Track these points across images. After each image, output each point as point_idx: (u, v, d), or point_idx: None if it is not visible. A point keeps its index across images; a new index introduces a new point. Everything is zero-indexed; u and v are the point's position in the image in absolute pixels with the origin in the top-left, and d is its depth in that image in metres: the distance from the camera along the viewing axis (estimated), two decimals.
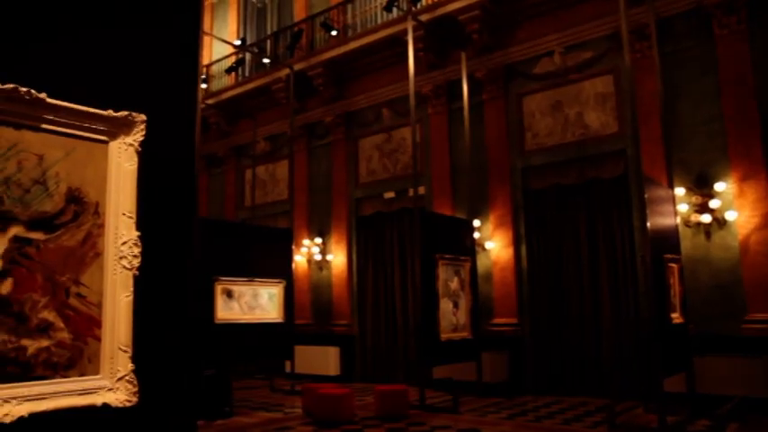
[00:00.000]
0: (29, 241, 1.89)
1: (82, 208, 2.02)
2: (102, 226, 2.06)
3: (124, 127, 2.13)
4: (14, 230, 1.87)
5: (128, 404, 2.00)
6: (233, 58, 15.04)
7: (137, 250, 2.10)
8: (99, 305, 2.02)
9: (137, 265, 2.09)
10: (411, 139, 9.65)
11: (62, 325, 1.93)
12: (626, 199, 9.10)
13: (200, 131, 2.40)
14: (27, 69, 1.91)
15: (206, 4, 16.93)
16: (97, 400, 1.96)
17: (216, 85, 15.82)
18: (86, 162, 2.05)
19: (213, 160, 16.24)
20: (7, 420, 1.75)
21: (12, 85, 1.85)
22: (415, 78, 9.62)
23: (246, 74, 15.17)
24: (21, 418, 1.78)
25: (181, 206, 2.30)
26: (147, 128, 2.17)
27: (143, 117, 2.15)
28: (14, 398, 1.79)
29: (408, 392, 8.29)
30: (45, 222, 1.93)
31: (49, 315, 1.91)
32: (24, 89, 1.88)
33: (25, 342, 1.85)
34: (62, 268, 1.95)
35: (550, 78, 10.05)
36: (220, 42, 15.34)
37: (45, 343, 1.89)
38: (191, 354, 2.24)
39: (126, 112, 2.11)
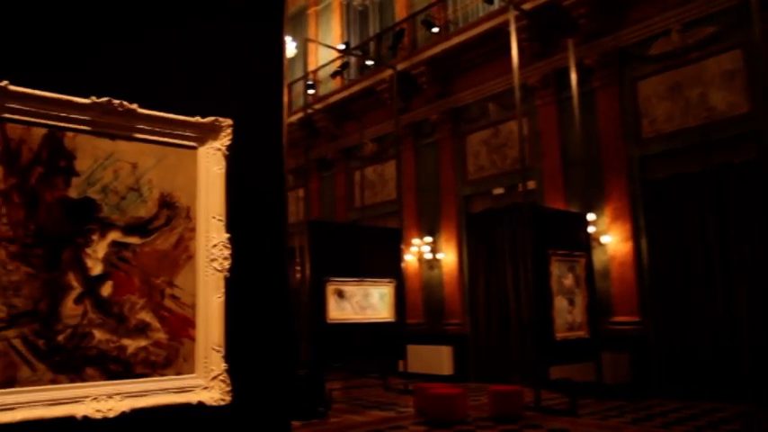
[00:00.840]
0: (126, 245, 1.98)
1: (174, 212, 2.10)
2: (193, 229, 2.12)
3: (212, 132, 2.18)
4: (112, 236, 1.96)
5: (221, 403, 2.05)
6: (338, 63, 15.37)
7: (227, 252, 2.14)
8: (192, 306, 2.08)
9: (227, 266, 2.13)
10: (518, 132, 9.36)
11: (158, 325, 2.01)
12: (759, 186, 8.28)
13: (286, 133, 2.42)
14: (119, 81, 2.01)
15: (310, 12, 17.46)
16: (192, 398, 2.02)
17: (323, 89, 16.25)
18: (177, 168, 2.12)
19: (323, 163, 16.68)
20: (111, 415, 1.84)
21: (106, 98, 1.95)
22: (521, 70, 9.33)
23: (351, 77, 15.43)
24: (123, 413, 1.86)
25: (270, 207, 2.33)
26: (234, 132, 2.21)
27: (229, 122, 2.20)
28: (118, 394, 1.88)
29: (523, 393, 8.04)
30: (140, 227, 2.02)
31: (146, 316, 1.99)
32: (117, 101, 1.97)
33: (125, 341, 1.94)
34: (157, 271, 2.03)
35: (668, 59, 9.38)
36: (326, 48, 15.73)
37: (143, 342, 1.97)
38: (284, 354, 2.26)
39: (213, 118, 2.17)
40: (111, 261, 1.95)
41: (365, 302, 10.38)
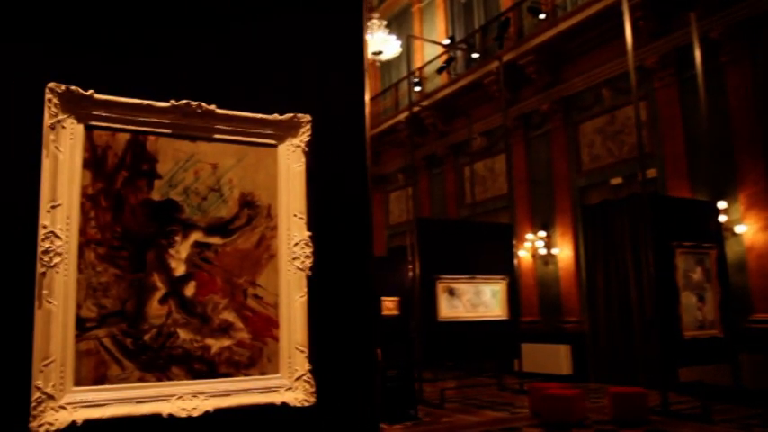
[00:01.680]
0: (208, 246, 2.00)
1: (255, 212, 2.09)
2: (274, 228, 2.11)
3: (291, 129, 2.16)
4: (195, 236, 1.98)
5: (305, 404, 2.01)
6: (444, 58, 15.22)
7: (308, 250, 2.10)
8: (275, 306, 2.06)
9: (309, 265, 2.09)
10: (635, 117, 8.77)
11: (241, 325, 2.01)
12: None
13: (368, 128, 2.35)
14: (197, 83, 2.03)
15: (414, 9, 17.43)
16: (276, 398, 2.00)
17: (429, 86, 16.16)
18: (257, 167, 2.11)
19: (432, 160, 16.60)
20: (195, 414, 1.86)
21: (185, 101, 1.97)
22: (636, 51, 8.75)
23: (458, 72, 15.22)
24: (206, 413, 1.87)
25: (352, 204, 2.27)
26: (313, 128, 2.17)
27: (308, 117, 2.16)
28: (202, 393, 1.90)
29: (648, 396, 7.51)
30: (221, 227, 2.02)
31: (229, 315, 1.99)
32: (195, 103, 1.99)
33: (209, 341, 1.95)
34: (239, 270, 2.03)
35: None
36: (431, 44, 15.63)
37: (226, 342, 1.98)
38: (370, 354, 2.19)
39: (291, 115, 2.14)
40: (194, 261, 1.97)
41: (477, 300, 10.20)
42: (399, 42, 15.52)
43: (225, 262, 2.01)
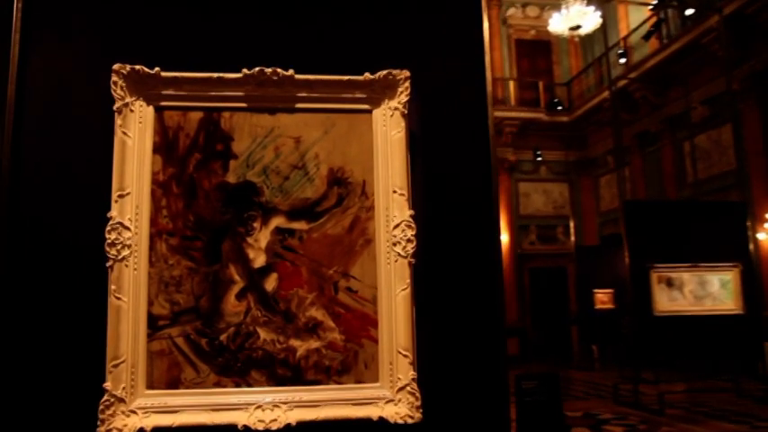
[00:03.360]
0: (291, 232, 1.73)
1: (346, 190, 1.77)
2: (370, 208, 1.77)
3: (386, 90, 1.80)
4: (276, 222, 1.73)
5: (409, 420, 1.64)
6: (652, 22, 13.59)
7: (410, 233, 1.73)
8: (373, 301, 1.72)
9: (411, 251, 1.72)
10: None
11: (332, 324, 1.70)
12: None
13: (490, 78, 1.90)
14: (270, 47, 1.77)
15: None
16: (374, 412, 1.65)
17: (636, 56, 14.57)
18: (348, 137, 1.79)
19: (645, 138, 14.96)
20: (274, 427, 1.59)
21: (258, 68, 1.73)
22: None
23: (668, 35, 13.48)
24: (288, 426, 1.60)
25: (470, 176, 1.84)
26: (414, 86, 1.79)
27: (406, 73, 1.78)
28: (285, 402, 1.63)
29: None
30: (306, 210, 1.74)
31: (317, 313, 1.70)
32: (270, 70, 1.73)
33: (294, 342, 1.68)
34: (328, 260, 1.73)
35: None
36: (636, 9, 14.09)
37: (314, 344, 1.68)
38: (496, 360, 1.75)
39: (386, 72, 1.78)
40: (276, 251, 1.71)
41: (701, 292, 8.82)
42: (599, 13, 14.20)
43: (312, 250, 1.73)
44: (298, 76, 1.76)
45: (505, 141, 17.49)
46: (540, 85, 17.90)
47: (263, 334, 1.67)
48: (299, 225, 1.74)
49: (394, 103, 1.81)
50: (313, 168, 1.77)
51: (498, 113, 17.28)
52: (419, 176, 1.80)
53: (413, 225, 1.74)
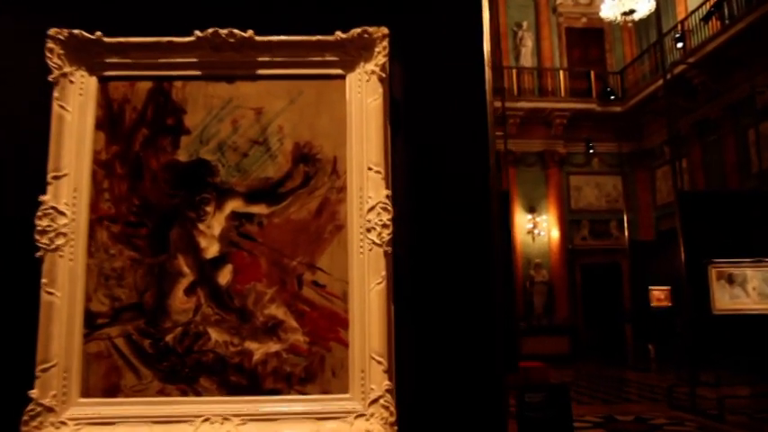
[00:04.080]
0: (249, 217, 1.50)
1: (314, 168, 1.53)
2: (342, 189, 1.52)
3: (362, 51, 1.55)
4: (231, 205, 1.50)
5: None
6: (712, 2, 12.80)
7: (386, 217, 1.47)
8: (343, 297, 1.47)
9: (387, 238, 1.46)
10: None
11: (295, 324, 1.46)
12: None
13: (488, 35, 1.62)
14: (224, 5, 1.55)
15: None
16: (342, 428, 1.40)
17: (694, 40, 13.78)
18: (317, 107, 1.55)
19: (705, 126, 14.14)
20: None
21: (212, 30, 1.50)
22: None
23: (730, 15, 12.66)
24: None
25: (459, 150, 1.57)
26: (395, 46, 1.53)
27: (384, 30, 1.52)
28: (237, 415, 1.40)
29: None
30: (267, 192, 1.51)
31: (277, 311, 1.46)
32: (225, 31, 1.51)
33: (250, 345, 1.45)
34: (292, 249, 1.49)
35: None
36: None
37: (274, 347, 1.45)
38: (490, 369, 1.47)
39: (360, 29, 1.53)
40: (231, 239, 1.49)
41: (766, 289, 8.21)
42: None
43: (272, 238, 1.49)
44: (258, 38, 1.53)
45: (556, 133, 16.92)
46: (592, 74, 17.22)
47: (214, 335, 1.45)
48: (259, 209, 1.50)
49: (370, 66, 1.55)
50: (276, 143, 1.53)
51: (548, 105, 16.74)
52: (400, 151, 1.54)
53: (389, 208, 1.48)
